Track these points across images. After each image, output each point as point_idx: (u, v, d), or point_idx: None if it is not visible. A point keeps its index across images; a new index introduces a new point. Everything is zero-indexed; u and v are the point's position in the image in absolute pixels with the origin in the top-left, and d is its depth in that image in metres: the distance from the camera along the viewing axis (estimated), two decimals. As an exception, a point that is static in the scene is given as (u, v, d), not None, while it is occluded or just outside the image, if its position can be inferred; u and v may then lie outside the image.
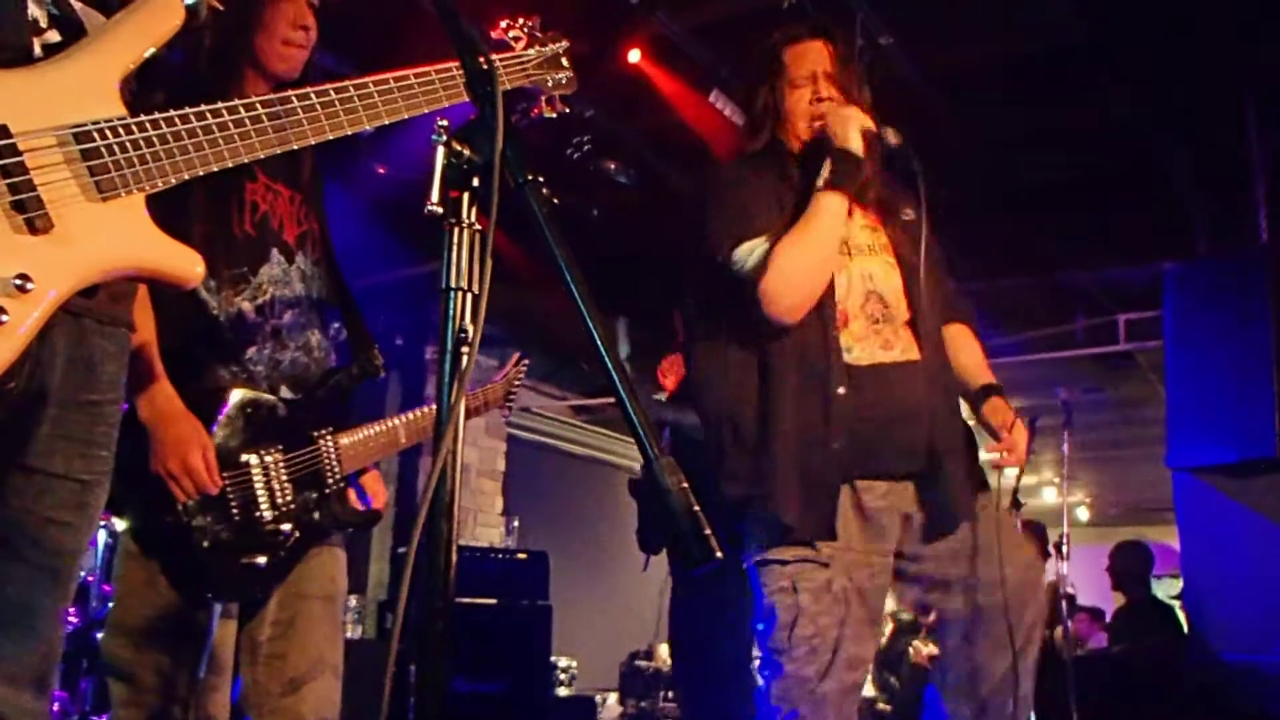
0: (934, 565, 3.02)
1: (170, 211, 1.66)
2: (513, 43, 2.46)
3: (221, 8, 1.92)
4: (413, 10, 5.30)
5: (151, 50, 1.69)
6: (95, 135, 1.56)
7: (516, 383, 3.53)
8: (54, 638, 1.73)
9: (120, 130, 1.59)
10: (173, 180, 1.64)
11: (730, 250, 2.96)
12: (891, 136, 3.00)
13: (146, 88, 1.78)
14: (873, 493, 2.93)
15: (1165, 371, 6.19)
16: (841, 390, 2.89)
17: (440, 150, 1.50)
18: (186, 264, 1.66)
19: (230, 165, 1.72)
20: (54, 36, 1.64)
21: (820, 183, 2.93)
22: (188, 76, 2.17)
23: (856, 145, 2.94)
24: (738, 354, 3.00)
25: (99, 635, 5.08)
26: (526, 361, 3.57)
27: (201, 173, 1.68)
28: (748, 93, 3.31)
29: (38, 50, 1.61)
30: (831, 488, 2.87)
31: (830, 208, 2.91)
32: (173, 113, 1.65)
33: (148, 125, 1.62)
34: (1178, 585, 6.55)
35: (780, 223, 2.96)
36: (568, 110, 2.59)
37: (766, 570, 2.94)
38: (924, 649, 10.26)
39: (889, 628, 10.90)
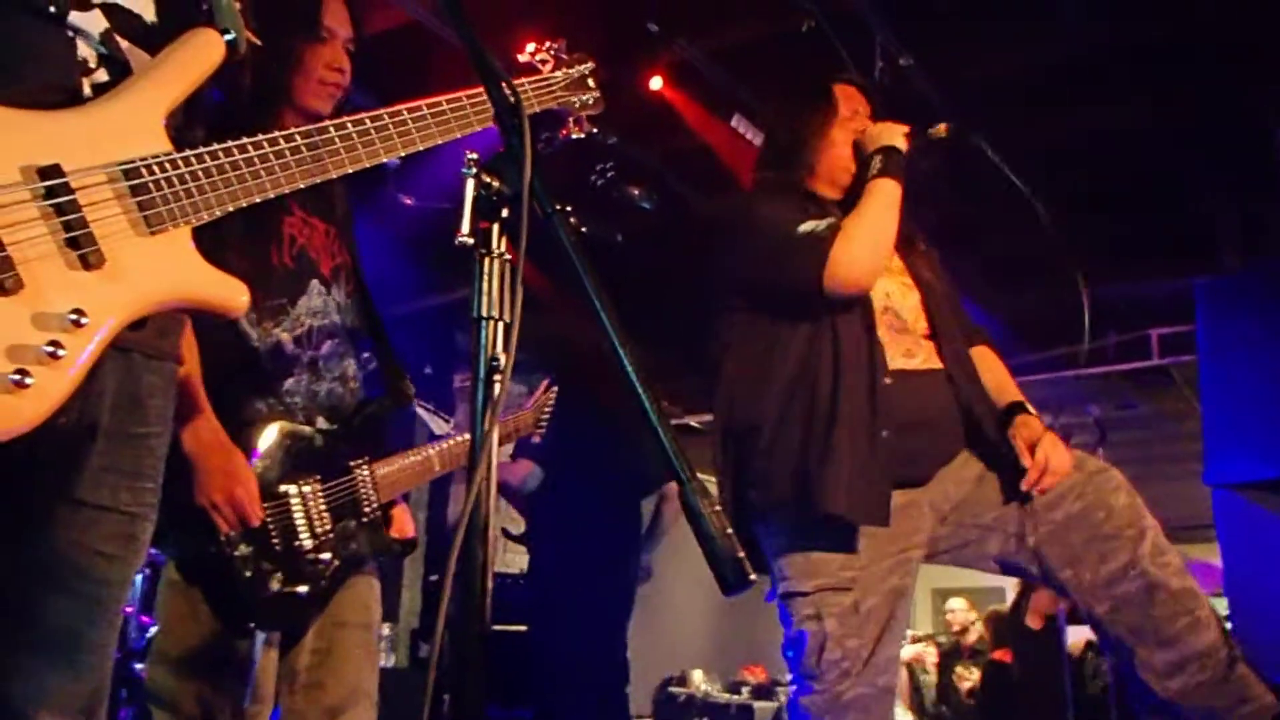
0: (988, 522, 3.04)
1: (209, 245, 1.69)
2: (540, 65, 2.49)
3: (260, 43, 1.94)
4: (436, 47, 5.35)
5: (195, 86, 1.72)
6: (143, 171, 1.58)
7: (546, 409, 3.55)
8: (102, 669, 1.74)
9: (167, 165, 1.61)
10: (217, 212, 1.67)
11: (794, 227, 3.02)
12: (942, 130, 3.17)
13: (188, 123, 1.81)
14: (896, 498, 2.92)
15: (1200, 386, 6.14)
16: (888, 380, 2.94)
17: (470, 182, 1.52)
18: (233, 294, 1.68)
19: (272, 195, 1.74)
20: (102, 76, 1.67)
21: (872, 173, 3.06)
22: (226, 113, 2.20)
23: (900, 144, 3.09)
24: (776, 357, 3.04)
25: (137, 666, 5.12)
26: (555, 388, 3.58)
27: (245, 204, 1.70)
28: (783, 118, 3.39)
29: (87, 90, 1.64)
30: (884, 475, 2.88)
31: (888, 190, 3.03)
32: (216, 146, 1.68)
33: (193, 160, 1.64)
34: (1221, 605, 6.48)
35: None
36: (595, 131, 2.61)
37: (791, 602, 2.95)
38: (967, 675, 10.25)
39: (933, 659, 10.85)
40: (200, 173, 1.65)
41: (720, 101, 6.13)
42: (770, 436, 2.98)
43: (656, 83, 5.93)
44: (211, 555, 2.48)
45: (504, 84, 1.59)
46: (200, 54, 1.73)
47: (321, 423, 2.72)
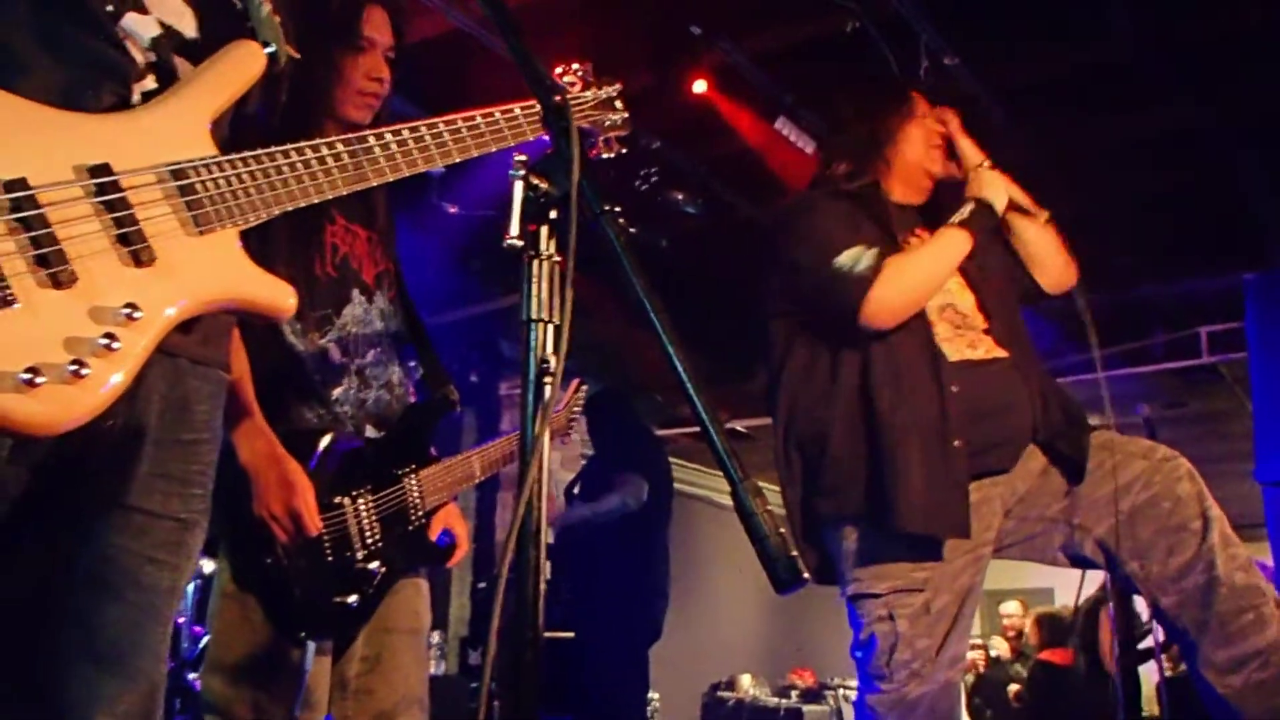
0: (1053, 515, 3.05)
1: (254, 255, 1.71)
2: (568, 87, 2.51)
3: (299, 56, 1.97)
4: (478, 54, 5.37)
5: (238, 95, 1.76)
6: (190, 173, 1.62)
7: (576, 408, 3.57)
8: (157, 676, 1.76)
9: (214, 168, 1.64)
10: (264, 216, 1.70)
11: (835, 255, 3.02)
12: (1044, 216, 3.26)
13: (234, 137, 1.84)
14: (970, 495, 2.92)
15: (1250, 383, 6.07)
16: (955, 388, 2.94)
17: (518, 184, 1.53)
18: (280, 295, 1.71)
19: (315, 200, 1.77)
20: (151, 84, 1.70)
21: (957, 219, 3.06)
22: (268, 126, 2.23)
23: (1000, 204, 3.12)
24: (838, 367, 3.03)
25: (190, 675, 5.17)
26: (585, 387, 3.60)
27: (290, 208, 1.73)
28: (860, 113, 3.36)
29: (136, 97, 1.68)
30: (960, 484, 2.87)
31: (958, 242, 3.03)
32: (260, 151, 1.71)
33: (239, 163, 1.68)
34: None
35: (877, 242, 3.06)
36: (625, 151, 2.63)
37: (862, 603, 2.95)
38: (1012, 688, 10.20)
39: (982, 662, 10.81)
40: (246, 176, 1.68)
41: (764, 104, 6.11)
42: (837, 447, 2.98)
43: (700, 86, 5.92)
44: (268, 565, 2.51)
45: (551, 87, 1.60)
46: (242, 64, 1.77)
47: (370, 431, 2.74)
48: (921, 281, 2.99)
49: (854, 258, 2.99)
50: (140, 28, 1.71)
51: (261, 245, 2.52)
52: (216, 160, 1.65)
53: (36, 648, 1.67)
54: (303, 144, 1.77)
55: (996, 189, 3.14)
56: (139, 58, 1.70)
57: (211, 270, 1.62)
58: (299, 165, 1.75)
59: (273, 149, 1.73)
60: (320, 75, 2.66)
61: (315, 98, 2.66)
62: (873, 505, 2.89)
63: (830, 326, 3.06)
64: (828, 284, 3.00)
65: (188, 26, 1.79)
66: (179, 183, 1.60)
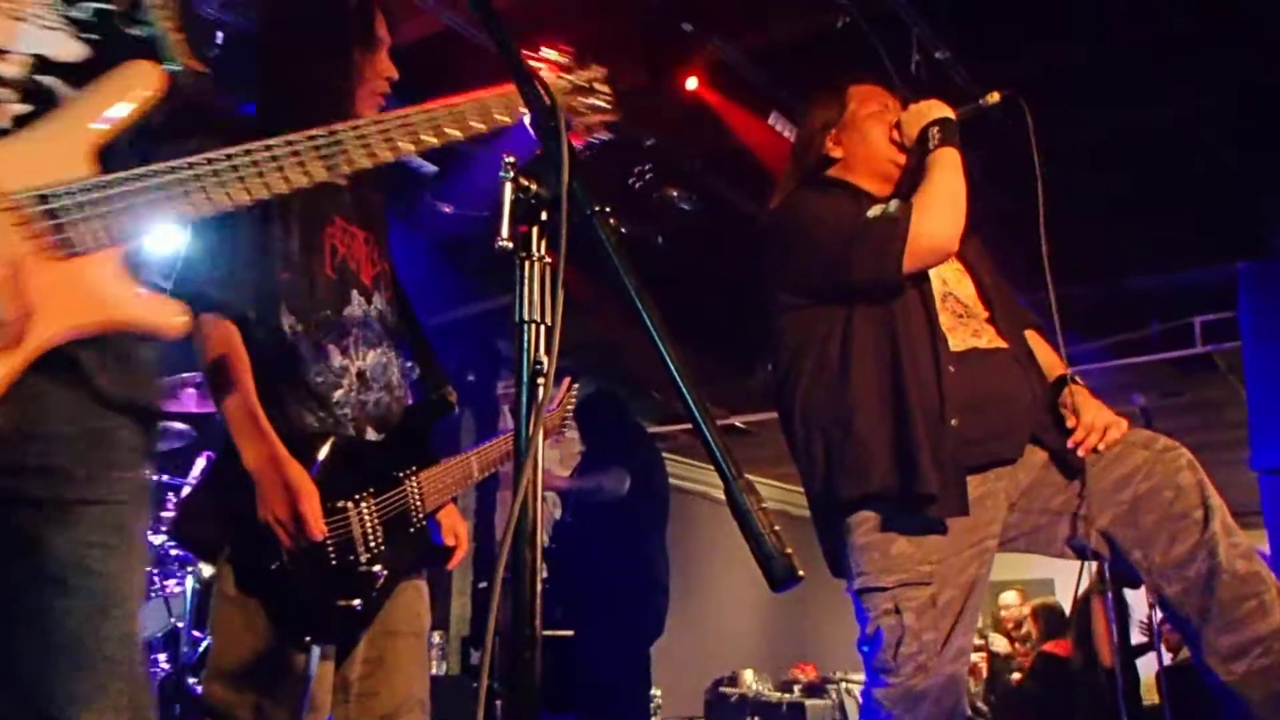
0: (1057, 507, 3.05)
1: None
2: (534, 70, 2.40)
3: (205, 70, 1.90)
4: (469, 55, 5.37)
5: (135, 115, 1.69)
6: (56, 198, 1.57)
7: (569, 407, 3.57)
8: (131, 664, 1.72)
9: (89, 190, 1.60)
10: (143, 234, 1.64)
11: (862, 215, 3.06)
12: (995, 97, 3.20)
13: (181, 134, 1.79)
14: (970, 485, 2.92)
15: (1244, 372, 6.10)
16: (952, 369, 2.95)
17: (508, 185, 1.52)
18: (164, 314, 1.67)
19: (208, 214, 1.70)
20: (22, 108, 1.64)
21: (932, 145, 3.09)
22: (261, 129, 2.14)
23: (949, 114, 3.15)
24: (852, 354, 3.03)
25: (190, 680, 5.17)
26: (577, 385, 3.60)
27: (169, 222, 1.67)
28: (803, 122, 3.46)
29: (6, 122, 1.62)
30: (958, 464, 2.89)
31: (951, 158, 3.07)
32: (144, 169, 1.65)
33: (117, 183, 1.62)
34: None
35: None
36: (609, 137, 2.52)
37: (869, 597, 2.96)
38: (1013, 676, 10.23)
39: (985, 663, 10.83)
40: (120, 195, 1.62)
41: (757, 100, 6.11)
42: (860, 427, 2.97)
43: (692, 83, 5.92)
44: (272, 570, 2.50)
45: (539, 86, 1.60)
46: (133, 84, 1.71)
47: (370, 433, 2.74)
48: (956, 196, 3.02)
49: (882, 208, 3.05)
50: (7, 70, 1.64)
51: (261, 249, 2.52)
52: (94, 183, 1.60)
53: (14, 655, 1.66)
54: (184, 160, 1.69)
55: (936, 107, 3.18)
56: (7, 93, 1.63)
57: (79, 296, 1.59)
58: (186, 177, 1.68)
59: (154, 166, 1.66)
60: (345, 79, 2.67)
61: (335, 100, 2.65)
62: (901, 475, 2.89)
63: (847, 301, 3.06)
64: (865, 237, 3.02)
65: (68, 53, 1.71)
66: (45, 207, 1.56)
